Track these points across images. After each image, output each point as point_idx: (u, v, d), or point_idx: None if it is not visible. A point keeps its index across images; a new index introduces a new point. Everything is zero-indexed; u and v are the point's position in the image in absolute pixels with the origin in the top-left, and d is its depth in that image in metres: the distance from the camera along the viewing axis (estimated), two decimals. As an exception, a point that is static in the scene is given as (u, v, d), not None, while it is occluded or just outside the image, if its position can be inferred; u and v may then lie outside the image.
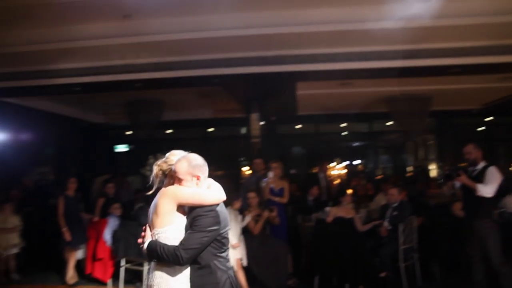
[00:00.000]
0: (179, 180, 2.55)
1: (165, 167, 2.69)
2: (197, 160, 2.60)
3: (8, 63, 7.44)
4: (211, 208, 2.47)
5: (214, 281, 2.46)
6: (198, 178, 2.57)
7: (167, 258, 2.37)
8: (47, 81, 7.71)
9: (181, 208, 2.54)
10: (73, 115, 11.18)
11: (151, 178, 2.72)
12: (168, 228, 2.46)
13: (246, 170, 11.02)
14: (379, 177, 12.19)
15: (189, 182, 2.55)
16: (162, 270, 2.46)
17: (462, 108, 11.14)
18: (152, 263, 2.54)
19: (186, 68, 7.36)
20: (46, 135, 10.28)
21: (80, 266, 6.42)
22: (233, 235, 5.73)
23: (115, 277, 5.98)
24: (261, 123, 9.42)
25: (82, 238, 6.28)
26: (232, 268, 2.65)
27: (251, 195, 6.16)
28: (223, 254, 2.55)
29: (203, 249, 2.44)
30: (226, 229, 2.59)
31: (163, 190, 2.58)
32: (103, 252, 6.12)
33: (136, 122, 10.90)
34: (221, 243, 2.52)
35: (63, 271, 6.25)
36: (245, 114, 9.64)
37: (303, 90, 9.11)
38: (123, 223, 6.11)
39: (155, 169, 2.71)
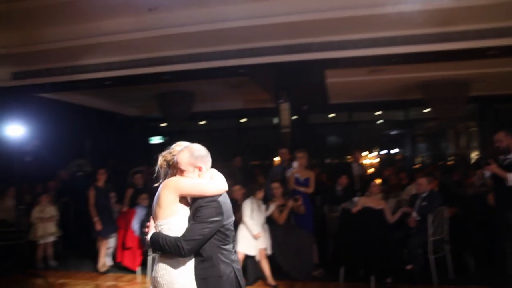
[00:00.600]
0: (181, 171, 2.54)
1: (169, 157, 2.68)
2: (199, 150, 2.57)
3: (43, 60, 7.76)
4: (213, 198, 2.45)
5: (217, 274, 2.44)
6: (200, 169, 2.54)
7: (169, 249, 2.36)
8: (79, 76, 7.98)
9: (184, 199, 2.53)
10: (109, 108, 11.55)
11: (156, 169, 2.72)
12: (171, 219, 2.46)
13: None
14: (416, 166, 11.80)
15: (191, 173, 2.53)
16: (165, 262, 2.45)
17: (505, 93, 10.52)
18: (157, 255, 2.53)
19: (212, 59, 7.39)
20: (83, 129, 10.68)
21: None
22: (256, 225, 5.74)
23: (144, 265, 6.13)
24: (292, 112, 9.33)
25: (112, 227, 6.49)
26: (237, 261, 2.60)
27: (275, 185, 6.13)
28: (227, 247, 2.51)
29: (205, 241, 2.42)
30: (230, 220, 2.55)
31: (165, 181, 2.56)
32: (132, 242, 6.30)
33: (169, 114, 11.11)
34: (225, 235, 2.49)
35: (96, 259, 6.50)
36: (275, 104, 9.59)
37: (332, 78, 8.93)
38: (150, 213, 6.23)
39: (160, 160, 2.71)
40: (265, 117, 12.42)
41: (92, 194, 6.38)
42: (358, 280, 5.59)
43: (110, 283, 5.95)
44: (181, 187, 2.48)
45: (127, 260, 6.38)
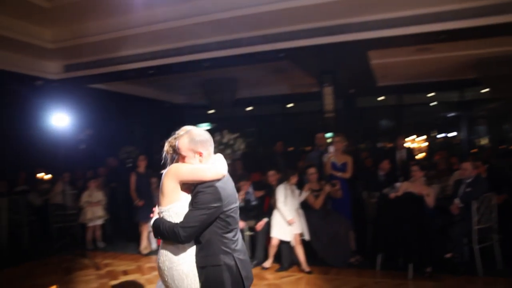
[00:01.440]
0: (182, 157, 2.49)
1: (174, 143, 2.61)
2: (199, 135, 2.50)
3: (91, 53, 8.11)
4: (210, 184, 2.36)
5: (215, 263, 2.37)
6: (200, 154, 2.47)
7: (168, 235, 2.34)
8: (125, 66, 8.26)
9: (187, 186, 2.47)
10: (157, 97, 11.91)
11: (163, 155, 2.68)
12: (172, 206, 2.41)
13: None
14: (474, 150, 11.09)
15: (192, 158, 2.47)
16: (166, 248, 2.44)
17: None
18: (161, 242, 2.51)
19: (251, 44, 7.33)
20: (133, 117, 11.12)
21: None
22: (290, 211, 5.70)
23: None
24: (338, 96, 9.09)
25: (151, 212, 6.70)
26: (240, 250, 2.48)
27: (311, 170, 6.03)
28: (228, 235, 2.42)
29: (203, 227, 2.36)
30: (232, 207, 2.44)
31: (167, 168, 2.51)
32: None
33: (214, 101, 11.27)
34: (226, 222, 2.40)
35: (140, 241, 6.79)
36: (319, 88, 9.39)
37: (377, 60, 8.57)
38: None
39: (166, 145, 2.66)
40: (311, 101, 12.21)
41: (133, 179, 6.65)
42: (396, 268, 5.39)
43: (150, 264, 6.19)
44: (180, 173, 2.42)
45: (168, 243, 6.58)
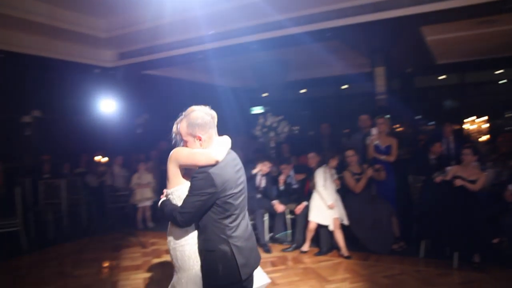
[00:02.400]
0: (185, 141, 2.45)
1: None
2: (196, 118, 2.41)
3: (143, 40, 8.38)
4: (203, 170, 2.29)
5: (209, 248, 2.34)
6: (199, 138, 2.41)
7: (169, 218, 2.37)
8: (174, 52, 8.46)
9: (185, 171, 2.44)
10: (210, 81, 12.10)
11: (173, 136, 2.60)
12: (175, 189, 2.42)
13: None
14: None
15: (192, 143, 2.42)
16: (172, 230, 2.47)
17: None
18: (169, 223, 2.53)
19: (298, 24, 7.17)
20: (187, 102, 11.39)
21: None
22: (330, 194, 5.57)
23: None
24: (393, 76, 8.67)
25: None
26: (238, 237, 2.38)
27: (350, 153, 5.82)
28: (225, 221, 2.34)
29: (200, 213, 2.33)
30: (229, 193, 2.35)
31: (171, 152, 2.49)
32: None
33: (265, 84, 11.23)
34: (222, 208, 2.33)
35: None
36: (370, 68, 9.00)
37: (432, 36, 8.01)
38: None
39: (174, 127, 2.58)
40: (366, 82, 11.75)
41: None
42: (441, 257, 5.09)
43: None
44: (179, 157, 2.40)
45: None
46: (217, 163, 2.33)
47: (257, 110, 13.46)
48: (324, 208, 5.53)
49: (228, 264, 2.31)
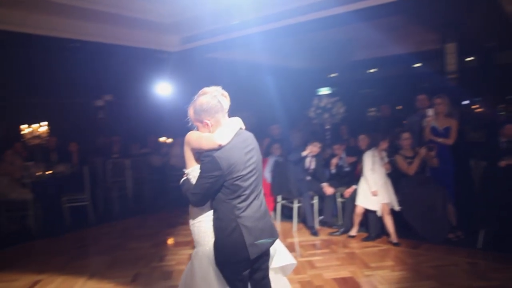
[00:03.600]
0: (197, 127, 2.51)
1: None
2: (201, 104, 2.41)
3: (203, 24, 8.55)
4: (208, 154, 2.34)
5: (219, 226, 2.41)
6: (205, 124, 2.43)
7: (185, 197, 2.46)
8: (235, 34, 8.52)
9: (196, 155, 2.51)
10: (277, 63, 12.03)
11: (189, 120, 2.61)
12: (190, 170, 2.50)
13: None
14: None
15: (201, 128, 2.47)
16: (191, 208, 2.58)
17: None
18: None
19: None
20: (251, 84, 11.43)
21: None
22: (379, 178, 5.33)
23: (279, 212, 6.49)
24: (470, 52, 7.95)
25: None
26: (248, 217, 2.40)
27: (405, 135, 5.48)
28: (234, 201, 2.38)
29: (210, 194, 2.40)
30: (236, 175, 2.37)
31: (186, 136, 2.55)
32: (264, 188, 6.65)
33: (331, 64, 10.92)
34: (230, 189, 2.37)
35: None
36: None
37: (512, 4, 7.16)
38: (278, 162, 6.45)
39: (188, 111, 2.59)
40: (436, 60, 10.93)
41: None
42: (501, 249, 4.64)
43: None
44: (189, 141, 2.46)
45: (262, 205, 6.82)
46: (220, 147, 2.35)
47: (324, 91, 13.14)
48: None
49: (236, 242, 2.36)
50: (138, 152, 8.69)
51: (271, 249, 2.70)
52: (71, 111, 8.49)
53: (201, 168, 2.37)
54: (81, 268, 4.83)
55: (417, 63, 11.90)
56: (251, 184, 2.44)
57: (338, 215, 6.19)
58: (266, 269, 2.64)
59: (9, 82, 7.73)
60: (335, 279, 4.24)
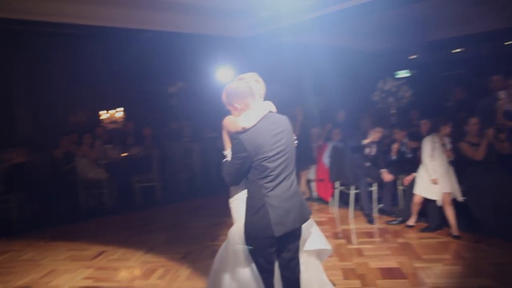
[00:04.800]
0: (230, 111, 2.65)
1: None
2: (231, 89, 2.57)
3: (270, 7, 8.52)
4: (236, 136, 2.48)
5: (249, 204, 2.53)
6: (235, 108, 2.55)
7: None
8: (305, 16, 8.37)
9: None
10: (350, 45, 11.60)
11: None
12: (227, 151, 2.63)
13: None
14: None
15: (233, 112, 2.59)
16: (231, 187, 2.77)
17: None
18: None
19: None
20: (322, 69, 11.18)
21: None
22: (439, 166, 4.98)
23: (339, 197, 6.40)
24: None
25: (309, 160, 6.90)
26: (275, 196, 2.46)
27: (473, 120, 5.00)
28: (262, 181, 2.48)
29: (241, 174, 2.53)
30: (263, 156, 2.46)
31: None
32: (323, 174, 6.58)
33: (408, 45, 10.28)
34: (258, 170, 2.48)
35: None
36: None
37: None
38: (336, 148, 6.30)
39: (222, 95, 2.76)
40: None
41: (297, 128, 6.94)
42: None
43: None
44: (224, 125, 2.60)
45: (321, 191, 6.75)
46: (244, 129, 2.47)
47: (403, 74, 12.44)
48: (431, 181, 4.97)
49: (262, 220, 2.46)
50: (207, 136, 9.03)
51: (304, 232, 2.79)
52: (146, 98, 9.05)
53: (231, 150, 2.53)
54: (141, 243, 5.22)
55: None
56: (279, 165, 2.51)
57: (400, 204, 5.91)
58: (295, 251, 2.68)
59: (89, 72, 8.46)
60: (380, 269, 4.09)
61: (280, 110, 8.35)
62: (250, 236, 2.52)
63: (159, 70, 9.12)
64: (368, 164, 5.97)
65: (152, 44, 8.66)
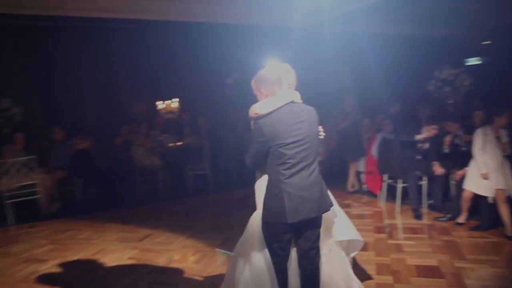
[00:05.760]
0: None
1: None
2: (262, 75, 2.64)
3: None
4: (255, 121, 2.54)
5: (269, 189, 2.58)
6: (261, 93, 2.64)
7: None
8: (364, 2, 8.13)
9: None
10: (414, 32, 11.00)
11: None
12: None
13: None
14: None
15: (259, 97, 2.68)
16: (256, 173, 2.85)
17: None
18: None
19: None
20: (381, 59, 10.69)
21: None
22: (492, 160, 4.64)
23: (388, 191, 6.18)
24: None
25: (359, 152, 6.71)
26: (292, 184, 2.48)
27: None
28: (279, 168, 2.52)
29: (259, 159, 2.58)
30: (280, 142, 2.49)
31: None
32: (372, 166, 6.37)
33: (476, 31, 9.53)
34: (275, 156, 2.52)
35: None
36: None
37: None
38: (385, 139, 6.05)
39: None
40: None
41: (340, 118, 6.81)
42: None
43: (348, 201, 6.40)
44: (249, 111, 2.68)
45: (370, 183, 6.55)
46: (257, 115, 2.55)
47: (473, 61, 11.58)
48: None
49: (277, 206, 2.51)
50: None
51: (327, 222, 2.83)
52: (203, 89, 9.31)
53: (252, 134, 2.60)
54: (186, 228, 5.45)
55: None
56: (297, 153, 2.53)
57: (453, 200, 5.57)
58: (314, 240, 2.66)
59: (149, 64, 8.89)
60: (417, 266, 3.91)
61: (335, 99, 8.02)
62: (265, 220, 2.58)
63: (216, 61, 9.33)
64: (419, 157, 5.70)
65: (209, 36, 8.89)
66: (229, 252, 4.07)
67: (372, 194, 6.59)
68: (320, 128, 2.73)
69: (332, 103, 9.30)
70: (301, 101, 2.69)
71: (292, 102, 2.60)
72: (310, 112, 2.65)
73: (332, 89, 9.48)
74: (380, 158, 6.06)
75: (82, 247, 4.98)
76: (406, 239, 4.68)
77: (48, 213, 6.35)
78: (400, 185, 5.68)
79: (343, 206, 5.99)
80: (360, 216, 5.65)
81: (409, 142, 5.65)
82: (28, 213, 6.30)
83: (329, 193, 2.77)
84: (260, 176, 2.79)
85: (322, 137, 2.78)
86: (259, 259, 2.72)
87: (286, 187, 2.49)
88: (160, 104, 8.84)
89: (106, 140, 7.74)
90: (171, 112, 8.71)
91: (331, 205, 2.68)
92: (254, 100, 2.80)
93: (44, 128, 7.34)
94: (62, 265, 4.45)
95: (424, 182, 5.61)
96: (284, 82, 2.71)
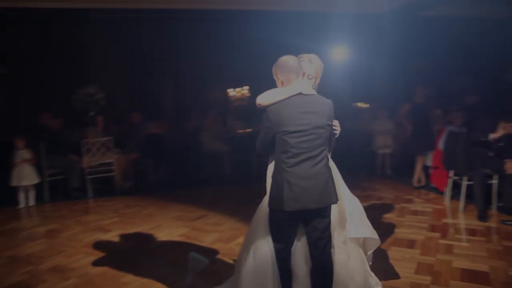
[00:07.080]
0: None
1: None
2: (281, 61, 2.65)
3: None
4: (265, 108, 2.59)
5: (273, 175, 2.64)
6: (278, 79, 2.69)
7: None
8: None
9: None
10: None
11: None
12: None
13: None
14: None
15: (276, 82, 2.72)
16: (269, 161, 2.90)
17: None
18: None
19: None
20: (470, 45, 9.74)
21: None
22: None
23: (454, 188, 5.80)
24: None
25: (428, 146, 6.30)
26: (294, 173, 2.51)
27: None
28: (283, 156, 2.55)
29: (266, 144, 2.64)
30: (285, 129, 2.52)
31: None
32: (438, 161, 5.95)
33: None
34: (279, 143, 2.56)
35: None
36: None
37: None
38: (452, 133, 5.59)
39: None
40: None
41: (405, 109, 6.42)
42: None
43: (411, 197, 6.08)
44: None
45: (435, 179, 6.14)
46: (259, 105, 2.62)
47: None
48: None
49: (278, 192, 2.57)
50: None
51: (339, 215, 2.81)
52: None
53: (262, 120, 2.67)
54: (239, 212, 5.65)
55: None
56: (300, 143, 2.54)
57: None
58: (322, 230, 2.64)
59: (223, 53, 9.19)
60: (463, 270, 3.63)
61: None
62: (270, 207, 2.63)
63: (285, 50, 9.30)
64: (491, 154, 5.20)
65: (279, 25, 8.89)
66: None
67: (439, 191, 6.18)
68: (336, 122, 2.69)
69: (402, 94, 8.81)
70: (314, 92, 2.68)
71: (301, 94, 2.57)
72: (323, 105, 2.61)
73: (410, 79, 8.95)
74: (446, 153, 5.64)
75: (143, 222, 5.45)
76: (460, 240, 4.35)
77: (122, 190, 7.03)
78: (465, 183, 5.26)
79: (403, 201, 5.82)
80: (416, 213, 5.36)
81: (482, 144, 5.19)
82: (105, 188, 7.05)
83: (347, 189, 2.76)
84: (270, 163, 2.80)
85: (336, 131, 2.73)
86: (264, 247, 2.74)
87: (287, 176, 2.52)
88: (231, 92, 9.13)
89: (181, 124, 8.24)
90: (241, 99, 8.96)
91: (336, 199, 2.62)
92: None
93: (125, 112, 8.06)
94: (121, 236, 4.93)
95: (494, 181, 5.13)
96: (302, 72, 2.68)
